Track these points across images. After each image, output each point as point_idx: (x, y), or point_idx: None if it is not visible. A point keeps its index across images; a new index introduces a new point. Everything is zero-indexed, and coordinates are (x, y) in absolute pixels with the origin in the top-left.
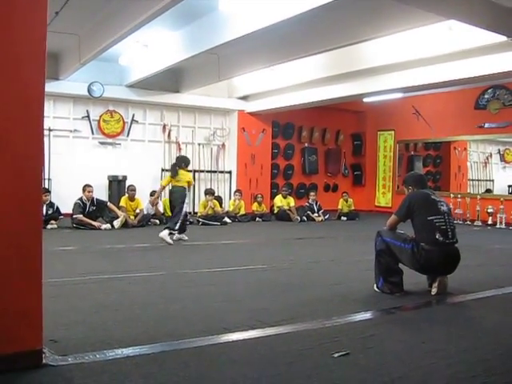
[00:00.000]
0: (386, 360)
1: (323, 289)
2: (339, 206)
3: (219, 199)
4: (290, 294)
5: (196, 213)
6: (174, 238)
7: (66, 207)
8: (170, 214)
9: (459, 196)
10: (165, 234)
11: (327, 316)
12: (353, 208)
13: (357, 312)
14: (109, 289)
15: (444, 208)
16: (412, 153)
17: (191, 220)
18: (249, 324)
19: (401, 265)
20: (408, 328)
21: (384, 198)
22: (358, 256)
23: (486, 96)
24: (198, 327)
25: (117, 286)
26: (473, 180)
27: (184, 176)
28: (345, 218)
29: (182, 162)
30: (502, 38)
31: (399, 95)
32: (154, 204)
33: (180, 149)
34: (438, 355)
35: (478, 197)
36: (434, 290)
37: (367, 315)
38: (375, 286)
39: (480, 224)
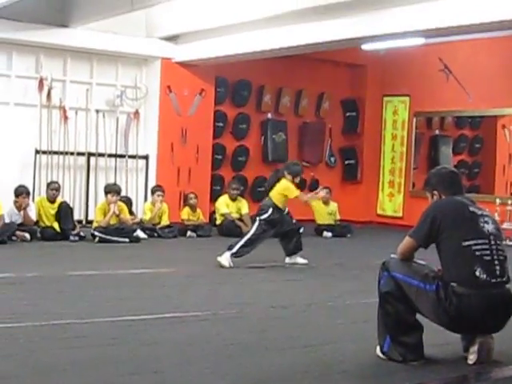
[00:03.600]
0: None
1: (294, 353)
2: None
3: (128, 201)
4: (241, 362)
5: (90, 222)
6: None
7: None
8: (48, 222)
9: (511, 202)
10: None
11: None
12: (338, 217)
13: None
14: None
15: (490, 227)
16: (437, 132)
17: (82, 234)
18: None
19: (420, 316)
20: None
21: (391, 202)
22: (351, 297)
23: None
24: None
25: None
26: None
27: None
28: (329, 234)
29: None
30: None
31: (419, 41)
32: (21, 208)
33: (66, 117)
34: None
35: None
36: (472, 358)
37: None
38: (378, 348)
39: None
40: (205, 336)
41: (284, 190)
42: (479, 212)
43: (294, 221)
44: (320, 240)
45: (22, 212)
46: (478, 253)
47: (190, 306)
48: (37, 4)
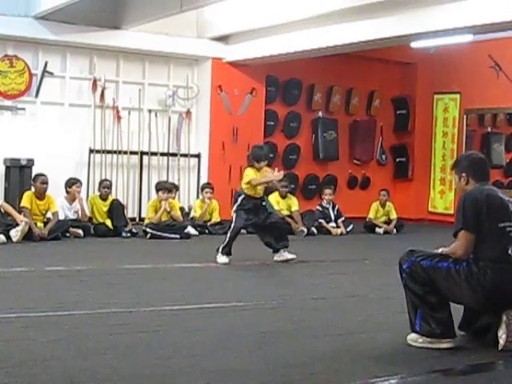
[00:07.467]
0: None
1: (329, 340)
2: (370, 214)
3: (174, 187)
4: (276, 348)
5: (142, 219)
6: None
7: None
8: (101, 219)
9: None
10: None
11: (328, 383)
12: (395, 216)
13: (376, 377)
14: None
15: None
16: (489, 129)
17: (134, 230)
18: None
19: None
20: None
21: (443, 199)
22: (393, 290)
23: None
24: None
25: (4, 331)
26: None
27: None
28: (380, 231)
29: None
30: None
31: (468, 38)
32: (73, 199)
33: (119, 117)
34: None
35: None
36: (503, 337)
37: (393, 382)
38: (411, 335)
39: None
40: (244, 324)
41: (244, 176)
42: (506, 198)
43: (273, 213)
44: (371, 237)
45: (74, 204)
46: (511, 234)
47: (232, 297)
48: (89, 7)
